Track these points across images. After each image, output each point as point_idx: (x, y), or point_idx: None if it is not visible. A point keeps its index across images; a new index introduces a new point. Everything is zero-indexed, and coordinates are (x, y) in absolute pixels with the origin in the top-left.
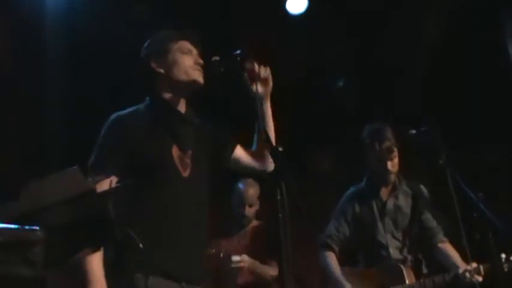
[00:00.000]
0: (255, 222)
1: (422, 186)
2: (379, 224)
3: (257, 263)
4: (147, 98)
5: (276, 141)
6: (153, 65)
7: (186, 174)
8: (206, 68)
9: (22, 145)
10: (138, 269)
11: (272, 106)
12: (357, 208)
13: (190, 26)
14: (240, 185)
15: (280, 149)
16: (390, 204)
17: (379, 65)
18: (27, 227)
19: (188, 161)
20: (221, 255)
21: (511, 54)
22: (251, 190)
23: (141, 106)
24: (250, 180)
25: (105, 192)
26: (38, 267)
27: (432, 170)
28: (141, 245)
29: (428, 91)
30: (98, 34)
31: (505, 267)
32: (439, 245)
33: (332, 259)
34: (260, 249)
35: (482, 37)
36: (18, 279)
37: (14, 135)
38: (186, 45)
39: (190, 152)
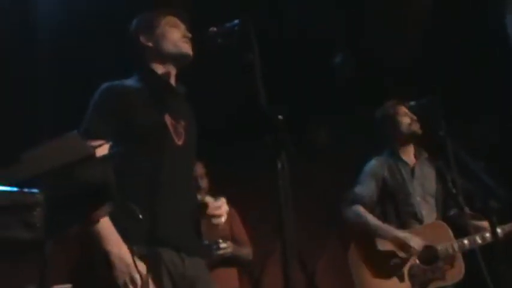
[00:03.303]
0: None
1: (440, 161)
2: (409, 187)
3: (237, 248)
4: (136, 72)
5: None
6: (142, 39)
7: (180, 142)
8: (202, 41)
9: (19, 111)
10: (134, 239)
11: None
12: (386, 172)
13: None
14: None
15: (280, 116)
16: (417, 169)
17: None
18: (26, 190)
19: (182, 130)
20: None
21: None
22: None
23: (130, 79)
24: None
25: (105, 157)
26: (37, 231)
27: (432, 141)
28: (140, 216)
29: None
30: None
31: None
32: (462, 211)
33: (366, 212)
34: (226, 230)
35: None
36: (17, 242)
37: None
38: (174, 20)
39: (182, 122)
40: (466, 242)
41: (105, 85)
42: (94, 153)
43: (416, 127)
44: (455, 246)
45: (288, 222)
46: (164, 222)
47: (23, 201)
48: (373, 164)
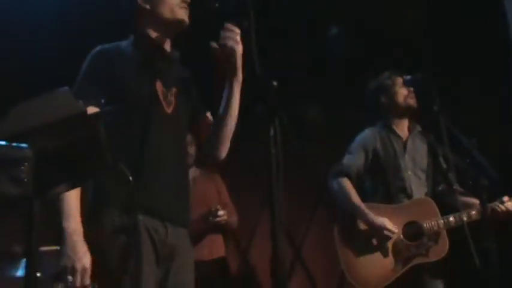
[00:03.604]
0: (195, 172)
1: (431, 136)
2: (401, 161)
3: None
4: (132, 36)
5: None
6: (140, 3)
7: (169, 110)
8: (201, 4)
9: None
10: (116, 205)
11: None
12: (378, 144)
13: None
14: None
15: (275, 83)
16: (410, 143)
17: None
18: (14, 144)
19: (172, 98)
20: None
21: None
22: None
23: (125, 42)
24: None
25: (96, 114)
26: (24, 186)
27: (426, 116)
28: (130, 177)
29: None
30: None
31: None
32: (454, 187)
33: (350, 186)
34: (214, 197)
35: None
36: (3, 197)
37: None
38: None
39: (174, 89)
40: (451, 219)
41: (97, 48)
42: (85, 110)
43: (412, 100)
44: (441, 223)
45: (277, 193)
46: (149, 189)
47: (11, 155)
48: (365, 134)
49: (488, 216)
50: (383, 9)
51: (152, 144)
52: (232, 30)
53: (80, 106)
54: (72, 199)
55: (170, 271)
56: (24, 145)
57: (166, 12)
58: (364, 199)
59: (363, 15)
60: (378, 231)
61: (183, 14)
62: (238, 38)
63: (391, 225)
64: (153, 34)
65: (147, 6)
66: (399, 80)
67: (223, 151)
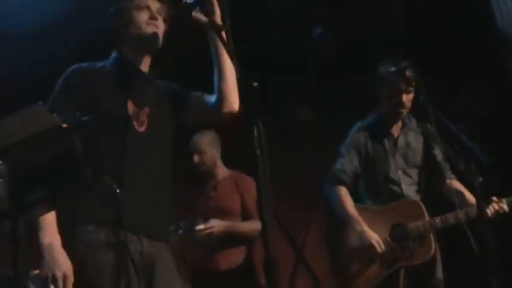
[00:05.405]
0: (222, 173)
1: (429, 126)
2: (391, 161)
3: (232, 224)
4: (111, 55)
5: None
6: (113, 24)
7: (141, 129)
8: (179, 14)
9: None
10: (90, 220)
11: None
12: (369, 143)
13: None
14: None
15: (255, 84)
16: (401, 140)
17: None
18: None
19: (144, 117)
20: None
21: None
22: (200, 138)
23: (101, 62)
24: (204, 131)
25: (71, 127)
26: (1, 202)
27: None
28: (118, 190)
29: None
30: None
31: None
32: (448, 181)
33: (346, 195)
34: (234, 204)
35: None
36: None
37: None
38: (144, 1)
39: (147, 109)
40: (438, 221)
41: (72, 67)
42: (60, 124)
43: (405, 98)
44: (427, 224)
45: (265, 192)
46: (125, 206)
47: None
48: (355, 133)
49: (483, 217)
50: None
51: (126, 162)
52: None
53: (55, 119)
54: (48, 214)
55: (153, 280)
56: None
57: (135, 31)
58: (359, 198)
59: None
60: (367, 246)
61: (150, 29)
62: None
63: (379, 241)
64: (128, 54)
65: (120, 29)
66: (394, 76)
67: (235, 101)
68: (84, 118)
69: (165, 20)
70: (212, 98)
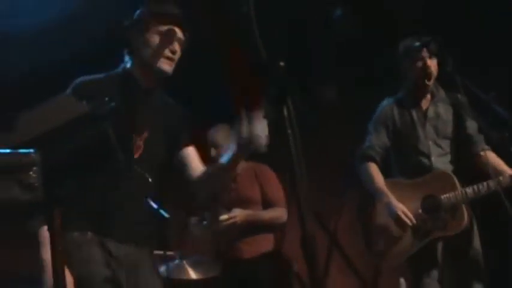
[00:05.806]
0: (240, 165)
1: (459, 95)
2: (421, 132)
3: (254, 213)
4: (121, 67)
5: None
6: (129, 35)
7: (136, 155)
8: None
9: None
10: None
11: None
12: (397, 117)
13: None
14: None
15: (282, 63)
16: (431, 111)
17: None
18: (21, 151)
19: (141, 143)
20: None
21: None
22: (216, 132)
23: (112, 73)
24: (220, 125)
25: (101, 114)
26: (35, 191)
27: (441, 78)
28: (149, 179)
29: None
30: None
31: None
32: (482, 153)
33: (375, 170)
34: (254, 194)
35: None
36: (16, 203)
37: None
38: (170, 31)
39: (146, 134)
40: (469, 191)
41: (76, 82)
42: (88, 111)
43: (434, 68)
44: (458, 195)
45: (300, 175)
46: (110, 219)
47: (18, 161)
48: (382, 108)
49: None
50: None
51: (117, 187)
52: None
53: (85, 107)
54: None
55: (138, 278)
56: (30, 150)
57: (149, 57)
58: (390, 174)
59: None
60: (394, 217)
61: (166, 67)
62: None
63: (406, 211)
64: (138, 71)
65: (134, 41)
66: (421, 50)
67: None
68: (112, 104)
69: (181, 48)
70: (196, 172)
